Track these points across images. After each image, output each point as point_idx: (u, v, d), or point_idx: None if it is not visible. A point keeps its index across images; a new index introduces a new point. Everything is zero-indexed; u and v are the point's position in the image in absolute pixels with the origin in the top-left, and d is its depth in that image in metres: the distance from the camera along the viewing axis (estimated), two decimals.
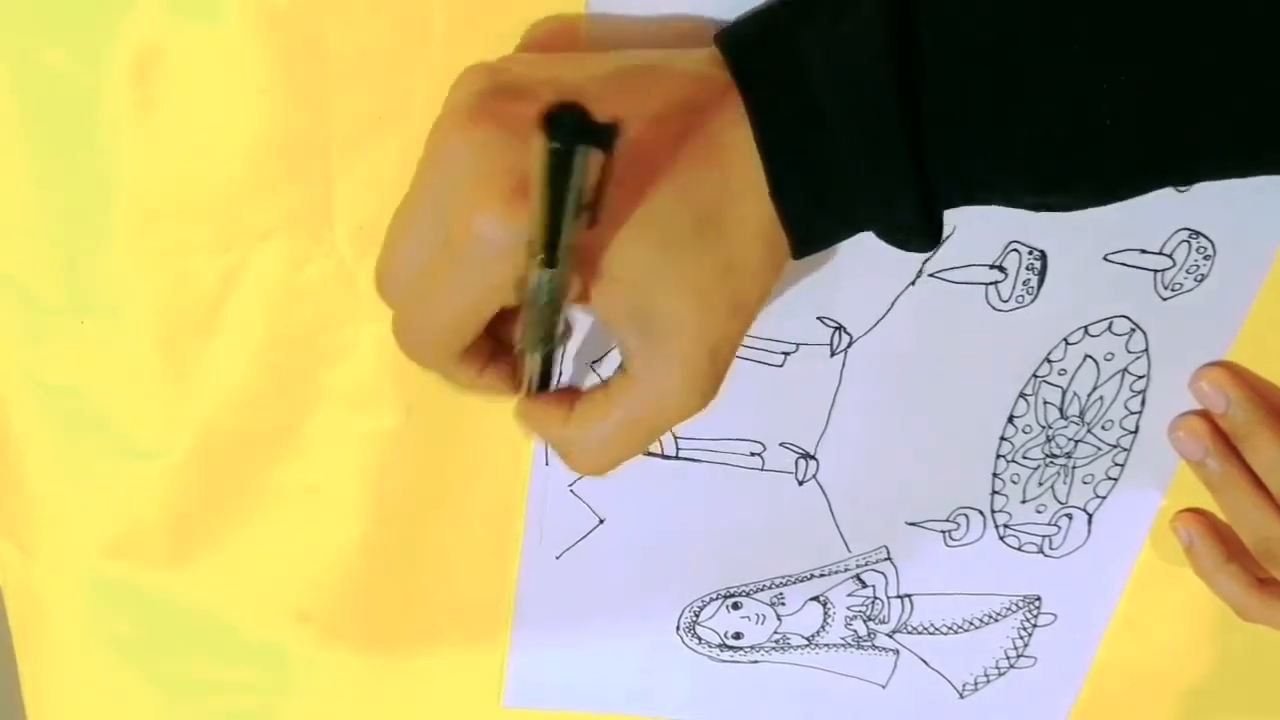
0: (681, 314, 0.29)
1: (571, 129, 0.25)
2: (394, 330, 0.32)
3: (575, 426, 0.32)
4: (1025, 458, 0.45)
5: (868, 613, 0.49)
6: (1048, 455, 0.45)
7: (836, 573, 0.48)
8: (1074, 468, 0.46)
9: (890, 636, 0.50)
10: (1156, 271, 0.42)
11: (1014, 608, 0.49)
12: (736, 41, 0.31)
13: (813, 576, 0.48)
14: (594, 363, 0.41)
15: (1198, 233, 0.41)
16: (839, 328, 0.42)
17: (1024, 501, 0.47)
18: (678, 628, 0.48)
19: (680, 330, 0.29)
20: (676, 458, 0.44)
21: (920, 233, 0.31)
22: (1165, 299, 0.42)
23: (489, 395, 0.34)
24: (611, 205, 0.28)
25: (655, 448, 0.44)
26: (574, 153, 0.25)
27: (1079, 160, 0.31)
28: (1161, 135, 0.30)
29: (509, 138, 0.28)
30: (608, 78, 0.31)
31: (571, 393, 0.33)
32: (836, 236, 0.31)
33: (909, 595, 0.49)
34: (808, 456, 0.44)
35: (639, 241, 0.28)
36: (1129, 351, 0.43)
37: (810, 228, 0.30)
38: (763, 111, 0.29)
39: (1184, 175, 0.33)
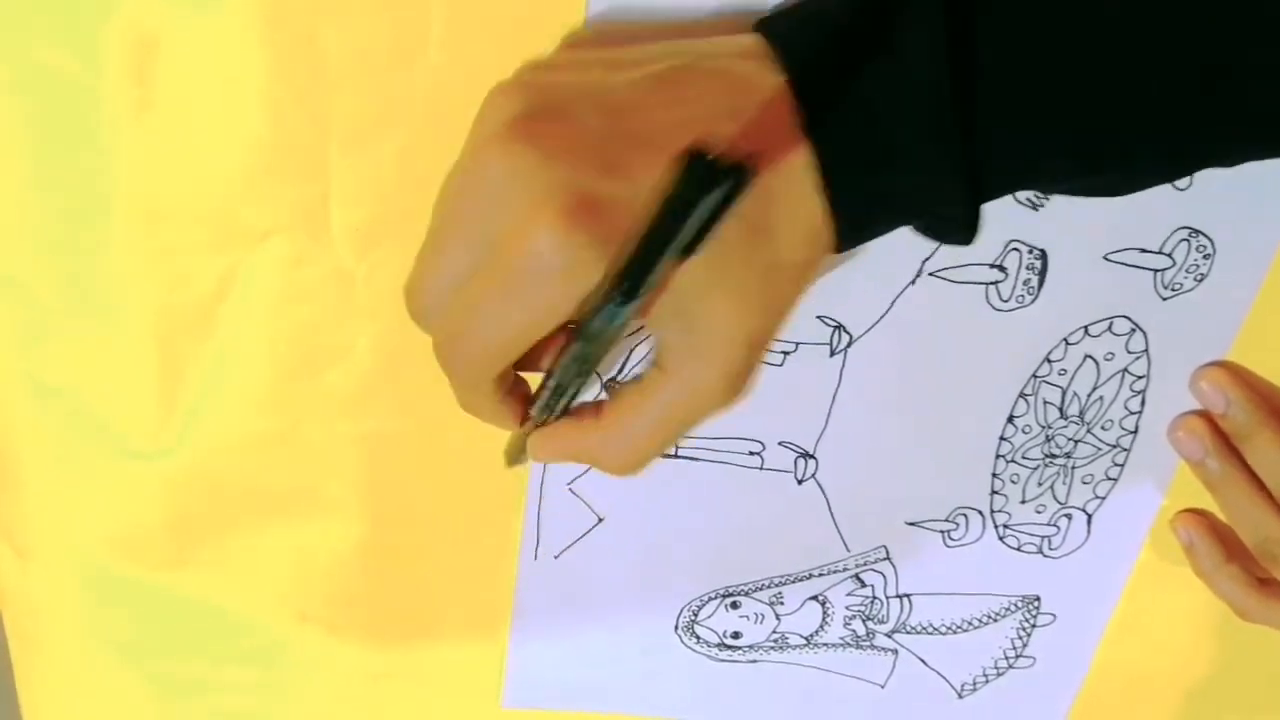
0: (724, 314, 0.29)
1: (701, 178, 0.24)
2: (436, 351, 0.31)
3: (607, 427, 0.32)
4: (1025, 458, 0.45)
5: (867, 612, 0.49)
6: (1047, 455, 0.45)
7: (835, 572, 0.48)
8: (1073, 468, 0.46)
9: (889, 636, 0.50)
10: (1156, 271, 0.41)
11: (1013, 608, 0.49)
12: (782, 34, 0.30)
13: (812, 576, 0.48)
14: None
15: (1197, 231, 0.41)
16: (839, 327, 0.41)
17: (1023, 501, 0.47)
18: (676, 627, 0.48)
19: (721, 329, 0.29)
20: (676, 456, 0.44)
21: (966, 224, 0.31)
22: (1165, 299, 0.42)
23: (499, 423, 0.33)
24: None
25: None
26: (698, 202, 0.24)
27: (1128, 143, 0.31)
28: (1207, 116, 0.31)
29: (554, 161, 0.28)
30: (650, 84, 0.30)
31: (592, 406, 0.33)
32: (879, 230, 0.31)
33: (908, 595, 0.49)
34: (807, 456, 0.44)
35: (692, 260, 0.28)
36: (1129, 351, 0.43)
37: (858, 223, 0.30)
38: (815, 109, 0.29)
39: (1226, 159, 0.34)
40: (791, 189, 0.29)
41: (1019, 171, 0.31)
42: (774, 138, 0.29)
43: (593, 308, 0.28)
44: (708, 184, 0.24)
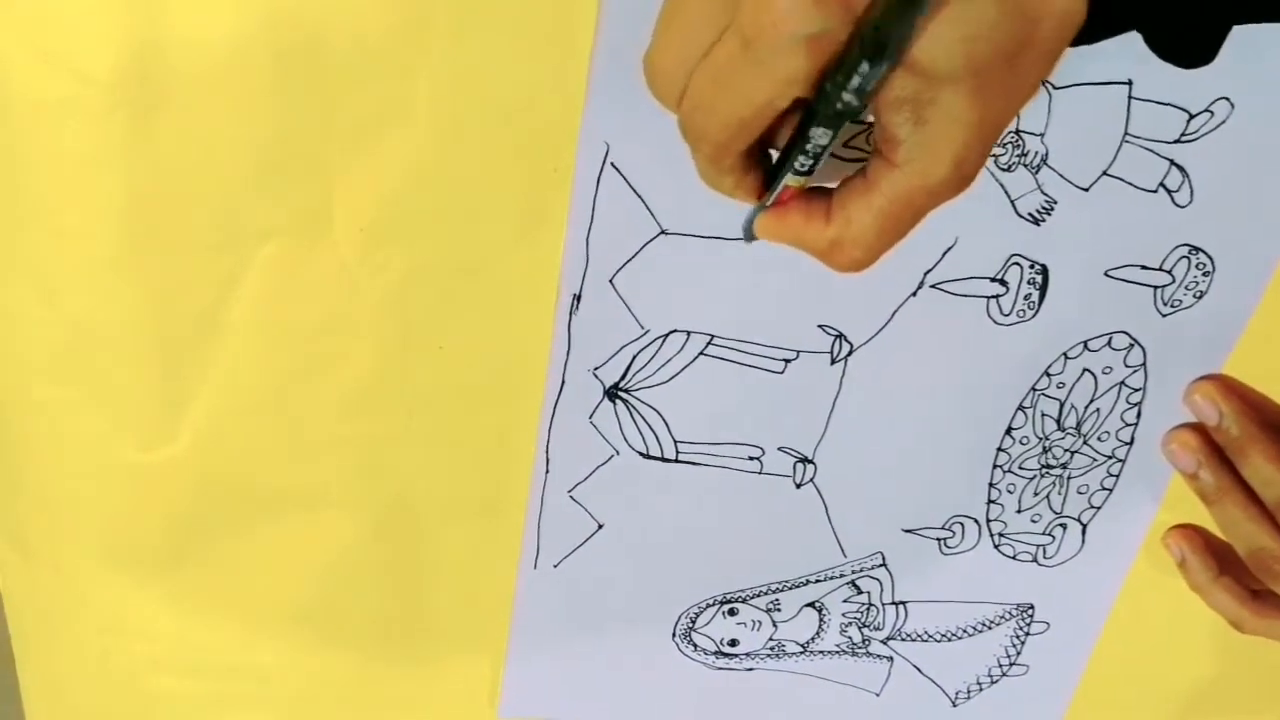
0: (964, 108, 0.27)
1: None
2: (680, 126, 0.30)
3: (840, 223, 0.30)
4: (1021, 468, 0.46)
5: (863, 619, 0.49)
6: (1044, 466, 0.46)
7: (832, 578, 0.48)
8: (1069, 478, 0.46)
9: (884, 643, 0.50)
10: (1156, 288, 0.42)
11: (1007, 616, 0.50)
12: None
13: (809, 582, 0.48)
14: (596, 369, 0.41)
15: (1198, 249, 0.41)
16: (840, 336, 0.42)
17: (1019, 511, 0.47)
18: (674, 634, 0.49)
19: (958, 123, 0.28)
20: (676, 461, 0.44)
21: (1212, 38, 0.30)
22: (1165, 315, 0.42)
23: (739, 196, 0.32)
24: None
25: (655, 451, 0.44)
26: None
27: None
28: None
29: None
30: None
31: (821, 195, 0.31)
32: (1127, 24, 0.30)
33: (903, 602, 0.49)
34: (806, 461, 0.45)
35: (940, 28, 0.26)
36: (1127, 366, 0.43)
37: (1109, 7, 0.28)
38: None
39: None
40: None
41: None
42: None
43: (843, 73, 0.27)
44: None
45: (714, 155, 0.30)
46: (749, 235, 0.34)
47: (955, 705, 0.52)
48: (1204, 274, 0.41)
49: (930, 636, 0.50)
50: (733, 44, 0.27)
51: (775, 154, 0.31)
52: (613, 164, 0.37)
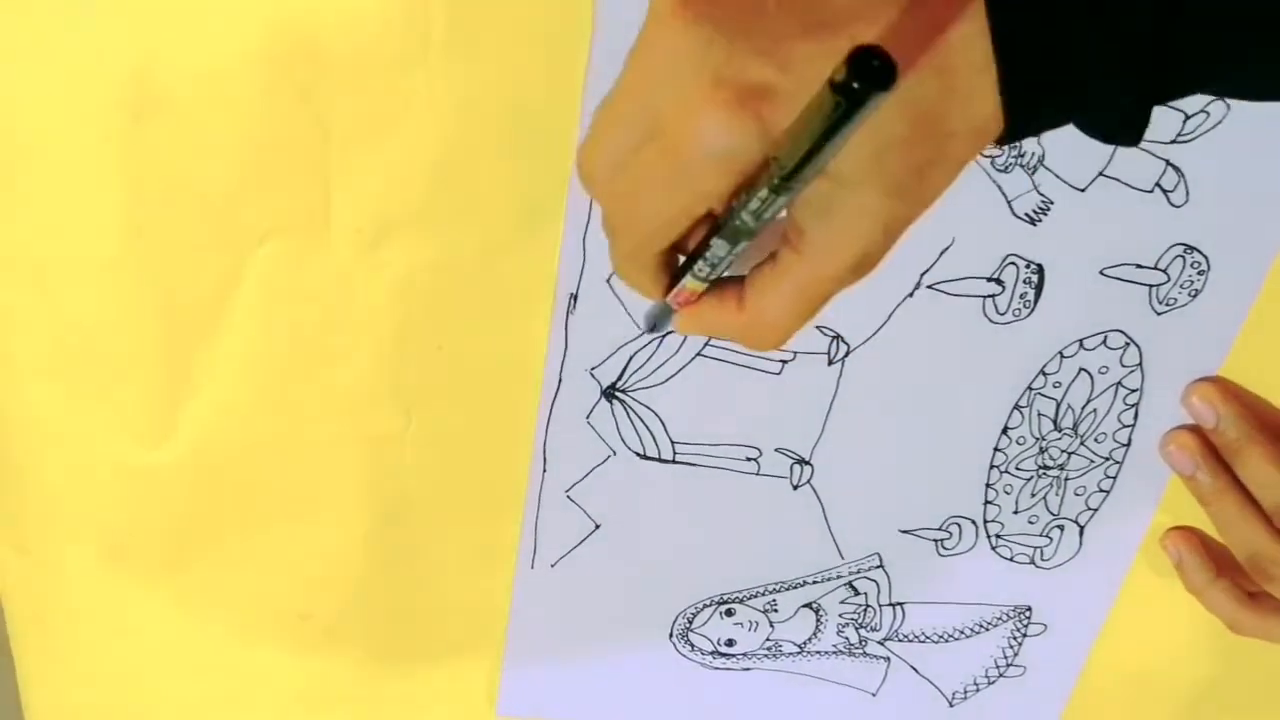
0: (871, 206, 0.29)
1: (872, 77, 0.23)
2: (602, 221, 0.32)
3: (753, 310, 0.32)
4: (1018, 469, 0.46)
5: (860, 620, 0.49)
6: (1041, 467, 0.46)
7: (830, 579, 0.48)
8: (1066, 479, 0.46)
9: (881, 644, 0.50)
10: (1152, 286, 0.42)
11: (1005, 617, 0.50)
12: None
13: (806, 583, 0.48)
14: (593, 369, 0.42)
15: (1192, 248, 0.41)
16: (837, 337, 0.42)
17: (1016, 512, 0.47)
18: (671, 634, 0.49)
19: (864, 218, 0.29)
20: (674, 461, 0.44)
21: (1139, 122, 0.30)
22: (1160, 313, 0.42)
23: (648, 293, 0.33)
24: None
25: (652, 451, 0.44)
26: (867, 101, 0.24)
27: None
28: None
29: (727, 41, 0.27)
30: None
31: (733, 283, 0.33)
32: (1046, 126, 0.31)
33: (901, 603, 0.49)
34: (803, 462, 0.45)
35: (853, 144, 0.27)
36: (1123, 365, 0.44)
37: (1029, 115, 0.29)
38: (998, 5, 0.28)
39: None
40: (967, 90, 0.28)
41: (1206, 56, 0.29)
42: (950, 36, 0.28)
43: (747, 194, 0.28)
44: (878, 84, 0.23)
45: (631, 252, 0.32)
46: (650, 326, 0.35)
47: (952, 706, 0.52)
48: (1199, 273, 0.41)
49: (928, 638, 0.50)
50: (654, 150, 0.28)
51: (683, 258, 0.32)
52: None
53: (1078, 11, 0.28)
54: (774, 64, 0.27)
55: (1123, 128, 0.31)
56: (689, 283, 0.32)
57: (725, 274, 0.32)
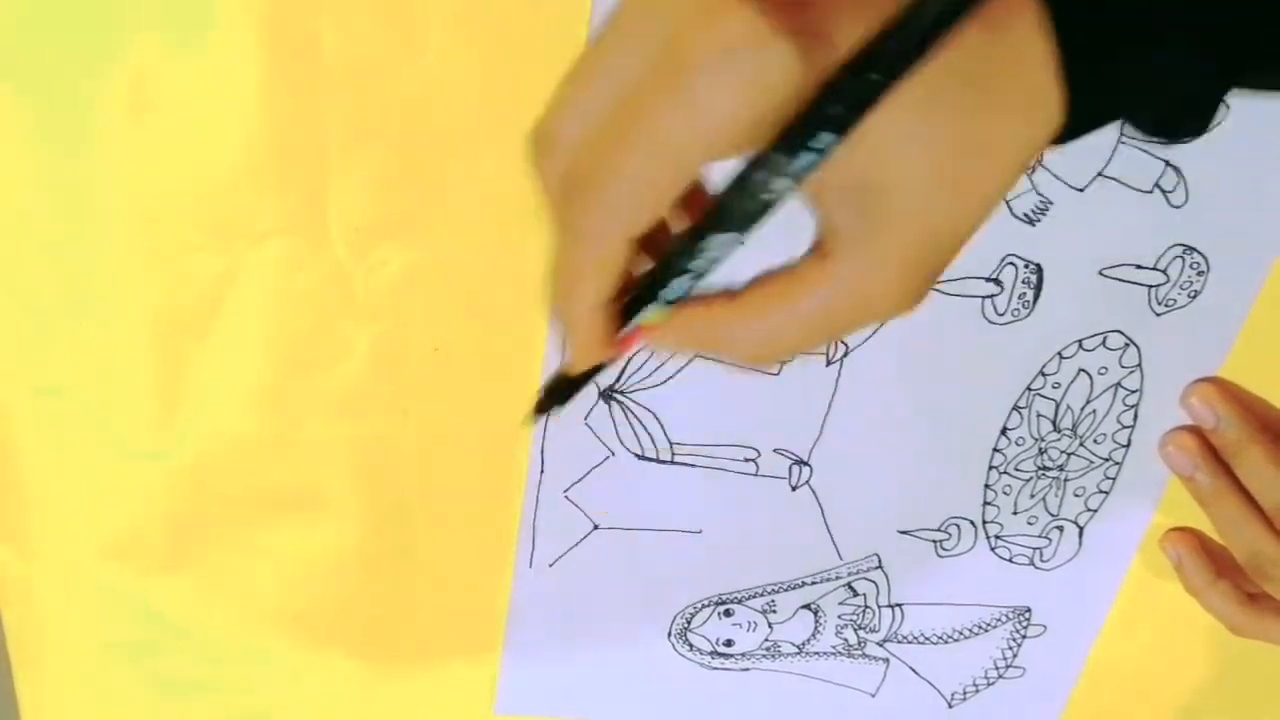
0: (914, 193, 0.24)
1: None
2: (566, 205, 0.25)
3: (746, 313, 0.26)
4: (1018, 469, 0.46)
5: (858, 621, 0.49)
6: (1040, 467, 0.46)
7: (828, 580, 0.48)
8: (1066, 480, 0.46)
9: (880, 645, 0.50)
10: (1151, 287, 0.42)
11: (1004, 618, 0.50)
12: None
13: (805, 584, 0.48)
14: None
15: (1192, 248, 0.41)
16: None
17: (1015, 513, 0.47)
18: (669, 634, 0.49)
19: (907, 213, 0.24)
20: (672, 462, 0.44)
21: (1207, 109, 0.27)
22: (1159, 314, 0.42)
23: (592, 327, 0.26)
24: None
25: (650, 452, 0.44)
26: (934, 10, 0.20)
27: None
28: None
29: None
30: None
31: (722, 292, 0.27)
32: (1107, 118, 0.26)
33: (899, 604, 0.49)
34: (801, 463, 0.45)
35: (905, 138, 0.23)
36: (1122, 366, 0.43)
37: (1090, 100, 0.25)
38: None
39: None
40: (1023, 57, 0.24)
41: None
42: None
43: (771, 147, 0.22)
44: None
45: (603, 231, 0.24)
46: (544, 406, 0.28)
47: (951, 706, 0.52)
48: (1198, 273, 0.41)
49: (927, 639, 0.50)
50: (657, 77, 0.22)
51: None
52: None
53: None
54: None
55: (1188, 109, 0.26)
56: (653, 312, 0.25)
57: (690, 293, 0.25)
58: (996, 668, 0.51)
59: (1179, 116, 0.27)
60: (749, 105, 0.22)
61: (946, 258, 0.25)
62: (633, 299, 0.25)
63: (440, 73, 0.35)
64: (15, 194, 0.36)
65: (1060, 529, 0.47)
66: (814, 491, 0.45)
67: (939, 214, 0.24)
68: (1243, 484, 0.43)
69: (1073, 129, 0.25)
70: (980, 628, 0.50)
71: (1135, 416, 0.45)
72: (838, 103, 0.21)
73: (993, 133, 0.24)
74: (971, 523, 0.47)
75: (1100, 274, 0.41)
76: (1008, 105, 0.24)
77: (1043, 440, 0.45)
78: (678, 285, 0.24)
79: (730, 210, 0.23)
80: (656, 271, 0.24)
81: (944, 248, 0.25)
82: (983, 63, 0.24)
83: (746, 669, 0.50)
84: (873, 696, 0.51)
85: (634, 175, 0.23)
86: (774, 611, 0.48)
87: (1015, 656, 0.51)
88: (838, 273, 0.25)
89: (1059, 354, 0.43)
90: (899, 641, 0.50)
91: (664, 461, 0.44)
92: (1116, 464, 0.46)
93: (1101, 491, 0.47)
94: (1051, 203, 0.39)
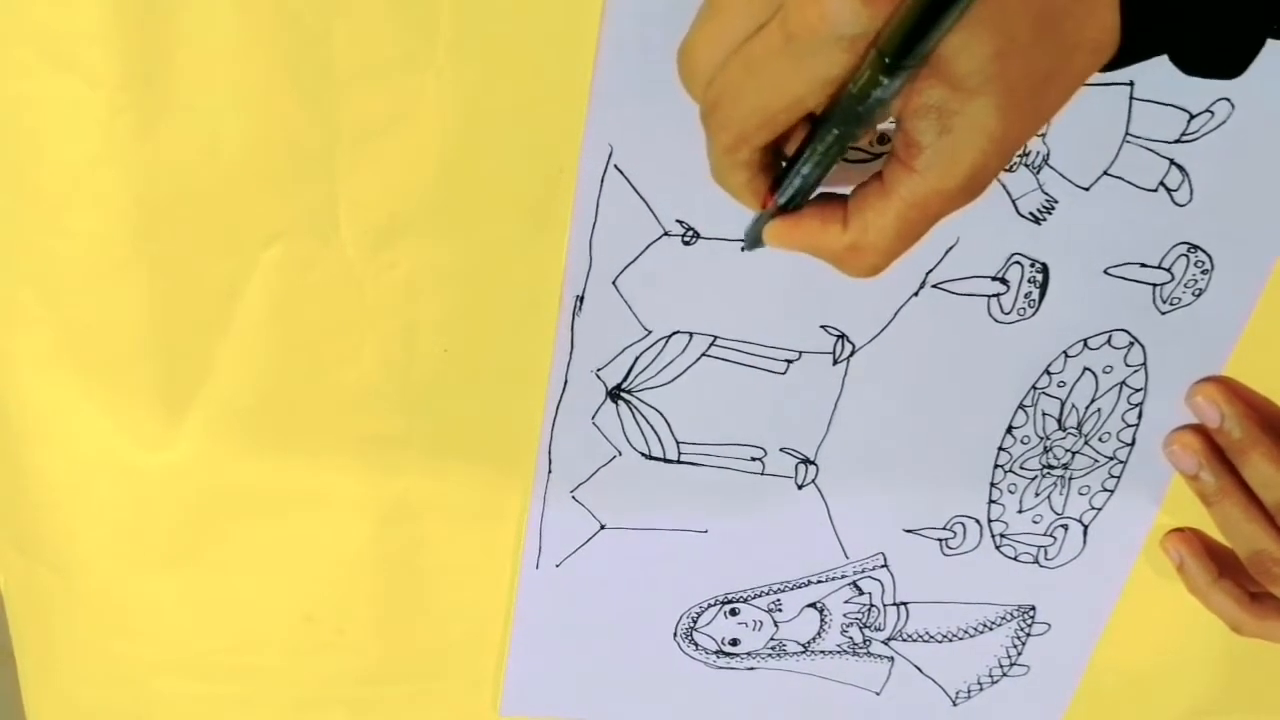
0: (990, 122, 0.28)
1: None
2: (703, 116, 0.31)
3: (858, 228, 0.31)
4: (1023, 468, 0.46)
5: (864, 619, 0.49)
6: (1045, 466, 0.46)
7: (834, 579, 0.48)
8: (1070, 479, 0.46)
9: (885, 644, 0.50)
10: (1156, 285, 0.42)
11: (1008, 617, 0.50)
12: None
13: (810, 583, 0.48)
14: (599, 370, 0.42)
15: (1196, 247, 0.41)
16: (842, 336, 0.42)
17: (1020, 511, 0.47)
18: (675, 634, 0.49)
19: (981, 134, 0.28)
20: (679, 461, 0.44)
21: (1250, 48, 0.30)
22: (1164, 313, 0.42)
23: (746, 199, 0.32)
24: None
25: (657, 452, 0.44)
26: None
27: None
28: None
29: None
30: None
31: (835, 200, 0.32)
32: (1155, 50, 0.30)
33: (905, 603, 0.49)
34: (808, 462, 0.45)
35: (975, 40, 0.27)
36: (1127, 364, 0.44)
37: (1143, 35, 0.29)
38: None
39: None
40: None
41: None
42: None
43: (858, 81, 0.27)
44: None
45: (732, 145, 0.30)
46: (753, 242, 0.34)
47: (956, 704, 0.52)
48: (1203, 272, 0.42)
49: (931, 637, 0.50)
50: (774, 36, 0.28)
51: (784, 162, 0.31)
52: (616, 166, 0.37)
53: None
54: None
55: (1231, 47, 0.30)
56: (796, 184, 0.31)
57: (825, 189, 0.31)
58: (1001, 666, 0.51)
59: (1220, 54, 0.31)
60: (847, 65, 0.27)
61: (1008, 157, 0.30)
62: (783, 171, 0.31)
63: (451, 73, 0.35)
64: (21, 194, 0.36)
65: (1065, 527, 0.48)
66: (820, 490, 0.45)
67: (1005, 128, 0.28)
68: (1246, 483, 0.43)
69: (1121, 59, 0.29)
70: (985, 626, 0.50)
71: (1140, 415, 0.45)
72: (894, 62, 0.26)
73: (1060, 67, 0.28)
74: (976, 521, 0.47)
75: (1105, 273, 0.41)
76: (1075, 42, 0.28)
77: (1048, 439, 0.45)
78: (805, 169, 0.30)
79: (834, 117, 0.28)
80: (794, 156, 0.30)
81: (1007, 151, 0.29)
82: (1057, 7, 0.27)
83: (752, 668, 0.50)
84: (877, 695, 0.51)
85: (754, 111, 0.29)
86: (779, 610, 0.48)
87: (1020, 655, 0.51)
88: (920, 178, 0.29)
89: (1064, 352, 0.43)
90: (904, 640, 0.50)
91: (671, 461, 0.44)
92: (1121, 462, 0.46)
93: (1106, 490, 0.47)
94: (1057, 202, 0.40)
